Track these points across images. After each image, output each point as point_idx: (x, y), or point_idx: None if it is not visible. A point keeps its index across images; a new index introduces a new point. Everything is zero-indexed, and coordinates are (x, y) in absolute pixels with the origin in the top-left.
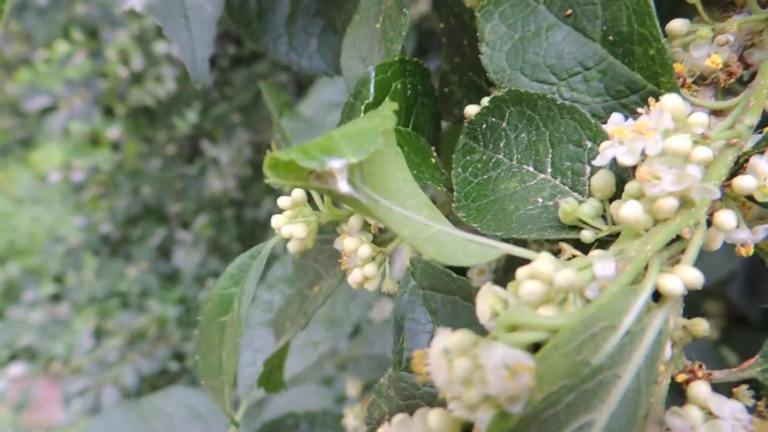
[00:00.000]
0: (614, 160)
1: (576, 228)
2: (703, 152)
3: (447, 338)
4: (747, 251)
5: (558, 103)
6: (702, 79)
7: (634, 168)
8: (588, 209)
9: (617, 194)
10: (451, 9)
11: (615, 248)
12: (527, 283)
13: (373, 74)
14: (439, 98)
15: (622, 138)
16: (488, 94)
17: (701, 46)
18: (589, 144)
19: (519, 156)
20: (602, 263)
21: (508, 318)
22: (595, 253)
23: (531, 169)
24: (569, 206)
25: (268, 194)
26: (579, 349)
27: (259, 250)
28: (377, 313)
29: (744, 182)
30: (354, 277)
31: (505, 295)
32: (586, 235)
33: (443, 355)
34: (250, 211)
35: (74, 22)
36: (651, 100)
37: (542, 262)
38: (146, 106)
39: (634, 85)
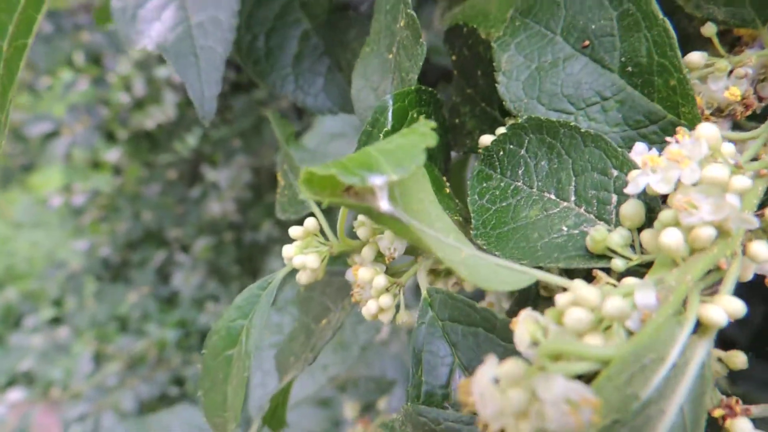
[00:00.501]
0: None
1: (604, 257)
2: (742, 181)
3: (497, 367)
4: None
5: (582, 131)
6: (719, 112)
7: (663, 197)
8: (618, 238)
9: (645, 224)
10: (465, 41)
11: (652, 277)
12: (573, 310)
13: (390, 102)
14: (450, 129)
15: (654, 166)
16: (502, 125)
17: (719, 78)
18: (615, 173)
19: (539, 183)
20: (643, 292)
21: (554, 346)
22: (631, 282)
23: (553, 197)
24: (599, 234)
25: (266, 218)
26: (629, 382)
27: (268, 281)
28: (378, 336)
29: None
30: (368, 308)
31: (545, 322)
32: (618, 264)
33: (493, 385)
34: (249, 235)
35: (79, 49)
36: (680, 129)
37: (587, 289)
38: (147, 131)
39: (653, 115)
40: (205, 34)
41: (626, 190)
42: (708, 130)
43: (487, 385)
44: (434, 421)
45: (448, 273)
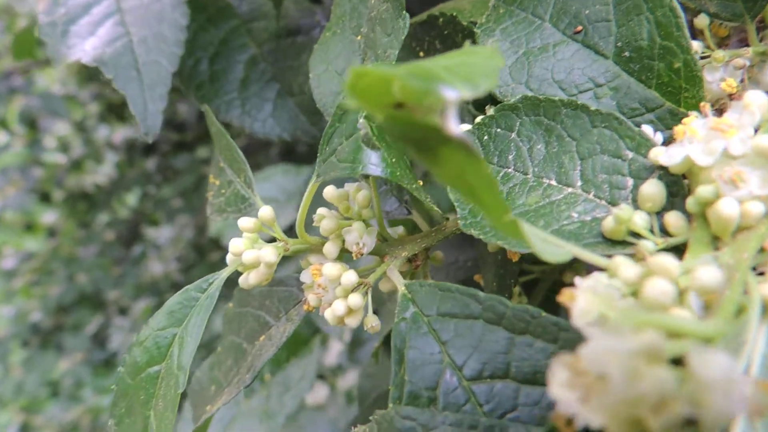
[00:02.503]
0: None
1: (624, 243)
2: None
3: (626, 340)
4: None
5: (592, 109)
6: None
7: (683, 177)
8: (640, 220)
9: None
10: (440, 32)
11: (707, 256)
12: (657, 281)
13: None
14: None
15: (692, 137)
16: (473, 116)
17: (716, 69)
18: (630, 154)
19: (536, 169)
20: (707, 270)
21: (651, 321)
22: (666, 260)
23: (554, 182)
24: (625, 213)
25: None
26: None
27: (209, 281)
28: (313, 397)
29: None
30: (335, 310)
31: (608, 295)
32: (649, 246)
33: (623, 362)
34: None
35: (13, 114)
36: (684, 121)
37: (667, 258)
38: (85, 191)
39: (650, 103)
40: (148, 50)
41: (662, 160)
42: (758, 97)
43: (617, 360)
44: (427, 425)
45: (425, 275)
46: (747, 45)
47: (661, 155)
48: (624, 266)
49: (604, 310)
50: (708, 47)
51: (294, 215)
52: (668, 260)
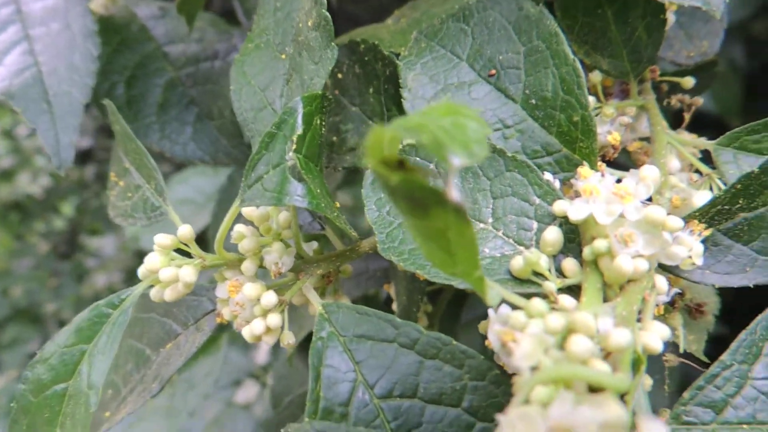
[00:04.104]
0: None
1: (530, 282)
2: (676, 221)
3: (594, 412)
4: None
5: (508, 155)
6: None
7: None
8: (544, 263)
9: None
10: (360, 57)
11: (606, 306)
12: (579, 339)
13: (300, 106)
14: (326, 147)
15: (591, 198)
16: None
17: (604, 123)
18: (537, 200)
19: None
20: (605, 320)
21: (580, 375)
22: (592, 308)
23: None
24: (534, 256)
25: None
26: None
27: (121, 297)
28: (243, 396)
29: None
30: (253, 329)
31: (549, 343)
32: (551, 287)
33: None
34: None
35: None
36: (579, 170)
37: (584, 315)
38: (17, 202)
39: (550, 147)
40: (59, 80)
41: (571, 215)
42: (652, 172)
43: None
44: None
45: (336, 291)
46: (628, 95)
47: (569, 209)
48: (544, 312)
49: (542, 358)
50: (599, 101)
51: (211, 221)
52: (588, 319)
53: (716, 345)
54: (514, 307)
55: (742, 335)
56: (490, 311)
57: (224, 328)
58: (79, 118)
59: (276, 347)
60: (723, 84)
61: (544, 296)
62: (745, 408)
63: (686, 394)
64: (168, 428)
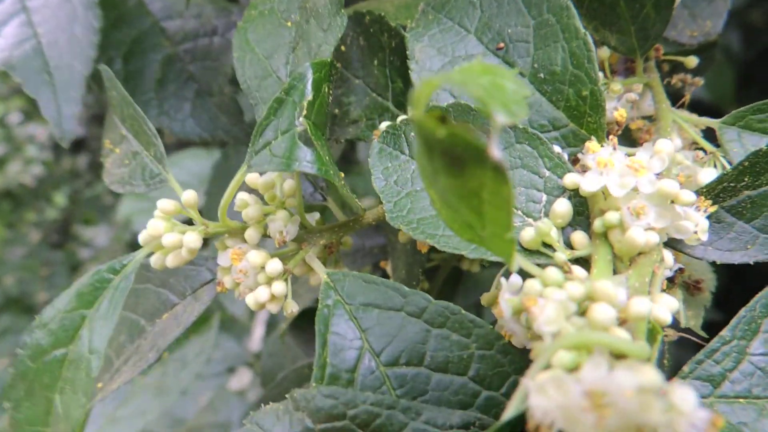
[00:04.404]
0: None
1: (539, 253)
2: (689, 195)
3: (630, 375)
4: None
5: (519, 126)
6: None
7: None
8: (555, 235)
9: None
10: (365, 29)
11: (620, 277)
12: (603, 307)
13: (310, 72)
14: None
15: (606, 170)
16: (394, 115)
17: (611, 99)
18: (547, 173)
19: None
20: (620, 290)
21: (603, 342)
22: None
23: None
24: (546, 226)
25: None
26: None
27: (123, 262)
28: (236, 383)
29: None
30: (257, 296)
31: (571, 310)
32: (562, 257)
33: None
34: None
35: None
36: (587, 144)
37: (609, 284)
38: (9, 190)
39: (557, 122)
40: (59, 52)
41: (584, 186)
42: (667, 146)
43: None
44: (349, 404)
45: (336, 261)
46: (633, 73)
47: (582, 182)
48: (560, 281)
49: (564, 324)
50: (606, 77)
51: (204, 199)
52: (610, 287)
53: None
54: (525, 277)
55: (741, 312)
56: (502, 279)
57: (214, 309)
58: (82, 90)
59: (267, 329)
60: (717, 71)
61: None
62: (742, 382)
63: (686, 368)
64: (159, 407)
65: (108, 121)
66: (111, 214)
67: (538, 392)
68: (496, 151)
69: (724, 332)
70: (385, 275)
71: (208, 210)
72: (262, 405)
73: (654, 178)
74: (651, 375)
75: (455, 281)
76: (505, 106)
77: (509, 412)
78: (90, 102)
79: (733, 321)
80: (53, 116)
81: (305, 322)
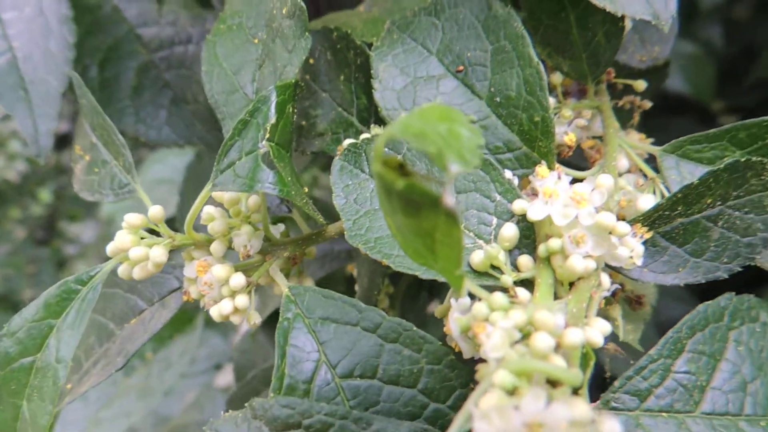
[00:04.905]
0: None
1: (487, 274)
2: (624, 227)
3: (564, 408)
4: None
5: None
6: None
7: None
8: (502, 258)
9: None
10: (332, 45)
11: (559, 303)
12: (543, 336)
13: (274, 95)
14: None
15: (550, 200)
16: (358, 131)
17: (562, 124)
18: (498, 197)
19: None
20: (558, 317)
21: (542, 370)
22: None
23: None
24: (494, 251)
25: None
26: None
27: (90, 273)
28: (223, 380)
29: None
30: (221, 309)
31: (516, 337)
32: (508, 280)
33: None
34: None
35: None
36: (537, 169)
37: (546, 314)
38: None
39: (511, 144)
40: (34, 67)
41: (530, 215)
42: (607, 181)
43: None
44: (304, 414)
45: (300, 272)
46: (585, 95)
47: (529, 209)
48: (505, 305)
49: (509, 351)
50: (559, 101)
51: (177, 200)
52: (550, 317)
53: None
54: (473, 297)
55: (669, 333)
56: (452, 300)
57: (200, 307)
58: (57, 107)
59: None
60: (697, 67)
61: (502, 289)
62: (666, 398)
63: (617, 383)
64: (144, 408)
65: (78, 126)
66: (96, 210)
67: (482, 418)
68: (449, 199)
69: (653, 351)
70: (352, 279)
71: (181, 209)
72: (232, 403)
73: (593, 211)
74: (583, 409)
75: (419, 285)
76: (460, 155)
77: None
78: (74, 97)
79: (661, 341)
80: (30, 133)
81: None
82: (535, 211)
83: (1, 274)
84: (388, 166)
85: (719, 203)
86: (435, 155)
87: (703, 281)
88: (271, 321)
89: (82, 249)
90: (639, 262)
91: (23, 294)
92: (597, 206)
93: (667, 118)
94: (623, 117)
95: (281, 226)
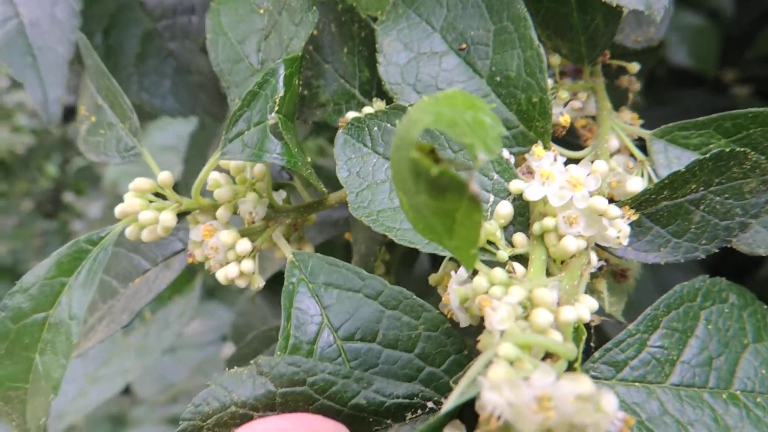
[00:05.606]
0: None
1: (483, 249)
2: (615, 210)
3: (573, 384)
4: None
5: None
6: None
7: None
8: (499, 234)
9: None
10: (337, 17)
11: (552, 279)
12: (543, 312)
13: (282, 68)
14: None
15: (547, 181)
16: (360, 103)
17: (558, 105)
18: (495, 176)
19: None
20: (552, 293)
21: (541, 343)
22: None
23: None
24: (492, 227)
25: None
26: None
27: (100, 234)
28: (228, 350)
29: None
30: (228, 273)
31: (519, 312)
32: (504, 255)
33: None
34: None
35: None
36: (534, 149)
37: (545, 291)
38: (1, 160)
39: (509, 123)
40: (42, 34)
41: (527, 195)
42: (602, 166)
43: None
44: (309, 371)
45: (300, 238)
46: (581, 76)
47: (526, 189)
48: (504, 280)
49: (513, 325)
50: (556, 83)
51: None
52: (549, 294)
53: None
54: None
55: (647, 310)
56: (451, 272)
57: (198, 270)
58: (65, 74)
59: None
60: (701, 39)
61: (498, 263)
62: (639, 369)
63: (596, 354)
64: (141, 366)
65: (83, 86)
66: (102, 183)
67: (492, 389)
68: (474, 186)
69: (631, 326)
70: (349, 246)
71: (186, 176)
72: (232, 363)
73: (587, 195)
74: (588, 385)
75: (414, 253)
76: (486, 144)
77: (454, 399)
78: (79, 69)
79: (639, 317)
80: (40, 100)
81: (276, 284)
82: (532, 192)
83: (8, 247)
84: (422, 151)
85: (702, 189)
86: (467, 144)
87: (683, 260)
88: (270, 285)
89: (88, 222)
90: (625, 242)
91: (30, 266)
92: (591, 190)
93: (678, 90)
94: (620, 94)
95: (283, 193)
